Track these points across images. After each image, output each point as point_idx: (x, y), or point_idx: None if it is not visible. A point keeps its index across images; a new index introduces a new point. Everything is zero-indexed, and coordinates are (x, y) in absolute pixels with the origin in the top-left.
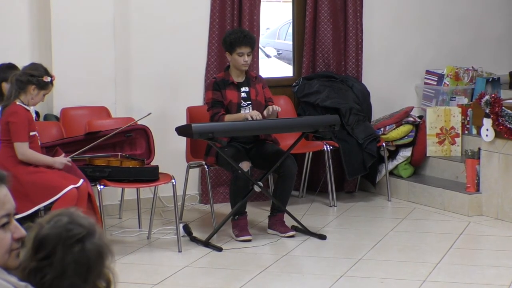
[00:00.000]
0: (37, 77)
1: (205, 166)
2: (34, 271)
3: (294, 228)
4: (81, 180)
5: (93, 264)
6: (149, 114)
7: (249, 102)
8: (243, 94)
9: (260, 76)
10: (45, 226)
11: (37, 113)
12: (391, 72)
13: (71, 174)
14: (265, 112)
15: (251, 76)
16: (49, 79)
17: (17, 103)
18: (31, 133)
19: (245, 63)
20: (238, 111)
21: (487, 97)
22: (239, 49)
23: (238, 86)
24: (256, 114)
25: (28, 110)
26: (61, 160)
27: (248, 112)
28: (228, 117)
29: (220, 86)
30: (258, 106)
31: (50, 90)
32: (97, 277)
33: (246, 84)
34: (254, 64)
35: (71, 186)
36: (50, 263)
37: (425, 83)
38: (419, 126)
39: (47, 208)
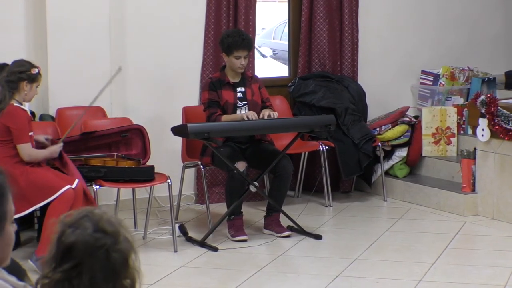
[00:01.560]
0: (25, 72)
1: (201, 166)
2: (62, 282)
3: (289, 228)
4: (77, 180)
5: (120, 270)
6: (119, 70)
7: (245, 102)
8: (239, 94)
9: (256, 76)
10: (68, 231)
11: (32, 113)
12: (386, 72)
13: (67, 170)
14: (260, 116)
15: (247, 76)
16: (36, 70)
17: (14, 104)
18: (29, 134)
19: (242, 66)
20: (234, 111)
21: (482, 97)
22: (236, 53)
23: (234, 86)
24: (252, 114)
25: (26, 110)
26: (56, 148)
27: (244, 113)
28: (225, 117)
29: (216, 86)
30: (254, 106)
31: (40, 82)
32: (123, 278)
33: (242, 84)
34: (250, 64)
35: (67, 186)
36: (78, 273)
37: (421, 83)
38: (414, 126)
39: (43, 208)
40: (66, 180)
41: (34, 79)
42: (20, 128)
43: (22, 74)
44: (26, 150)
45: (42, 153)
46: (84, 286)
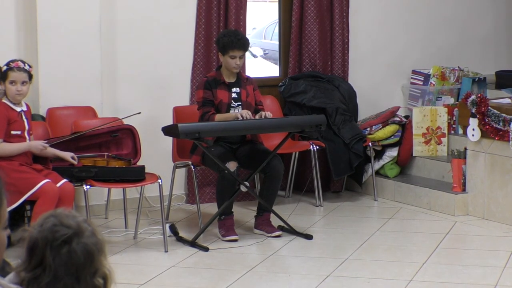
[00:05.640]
0: None
1: (192, 166)
2: (32, 281)
3: (280, 228)
4: (64, 180)
5: (83, 263)
6: (138, 113)
7: (240, 103)
8: (233, 95)
9: (251, 78)
10: (34, 230)
11: None
12: (377, 72)
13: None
14: (257, 116)
15: (242, 77)
16: (4, 68)
17: (3, 101)
18: (13, 132)
19: (237, 66)
20: (228, 111)
21: (473, 97)
22: (231, 52)
23: (229, 86)
24: (246, 113)
25: (13, 109)
26: (37, 144)
27: (238, 112)
28: (218, 116)
29: (211, 85)
30: (248, 108)
31: (14, 77)
32: (91, 275)
33: (237, 84)
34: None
35: (45, 181)
36: (43, 269)
37: (411, 83)
38: (405, 126)
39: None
40: (51, 178)
41: (2, 77)
42: None
43: None
44: None
45: (16, 146)
46: (48, 281)
